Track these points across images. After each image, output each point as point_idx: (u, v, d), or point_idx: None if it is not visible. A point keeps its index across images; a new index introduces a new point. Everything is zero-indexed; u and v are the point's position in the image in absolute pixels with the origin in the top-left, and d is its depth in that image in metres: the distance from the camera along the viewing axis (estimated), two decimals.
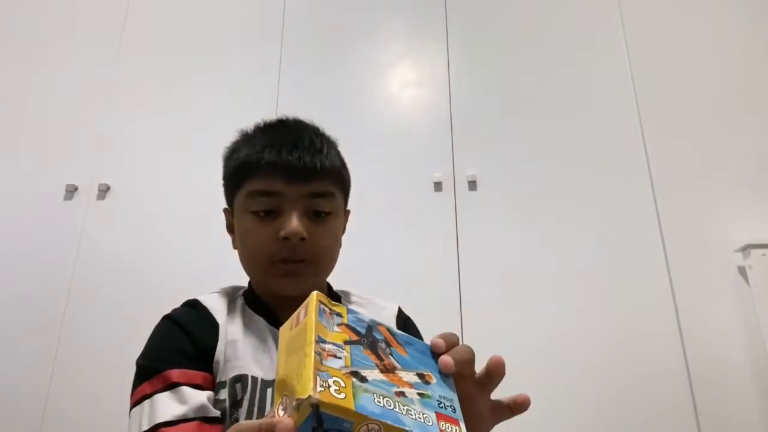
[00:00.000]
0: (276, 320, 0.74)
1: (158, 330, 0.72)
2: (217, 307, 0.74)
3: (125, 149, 1.92)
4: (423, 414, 0.41)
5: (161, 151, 1.91)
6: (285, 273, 0.72)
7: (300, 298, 0.74)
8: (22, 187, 1.87)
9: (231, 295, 0.78)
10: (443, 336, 0.50)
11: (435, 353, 0.48)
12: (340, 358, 0.41)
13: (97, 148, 1.92)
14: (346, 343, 0.44)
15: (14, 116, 1.98)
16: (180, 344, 0.68)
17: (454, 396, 0.45)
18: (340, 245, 0.80)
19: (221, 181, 0.82)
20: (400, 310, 0.85)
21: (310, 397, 0.36)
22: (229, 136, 0.82)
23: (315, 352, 0.40)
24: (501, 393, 0.54)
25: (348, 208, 0.83)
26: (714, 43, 1.97)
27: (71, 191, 1.85)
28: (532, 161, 1.85)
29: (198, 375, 0.65)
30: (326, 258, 0.76)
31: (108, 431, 1.53)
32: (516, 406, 0.53)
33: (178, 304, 0.76)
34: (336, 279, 0.84)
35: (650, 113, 1.87)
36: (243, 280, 0.82)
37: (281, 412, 0.39)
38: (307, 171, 0.73)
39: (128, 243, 1.79)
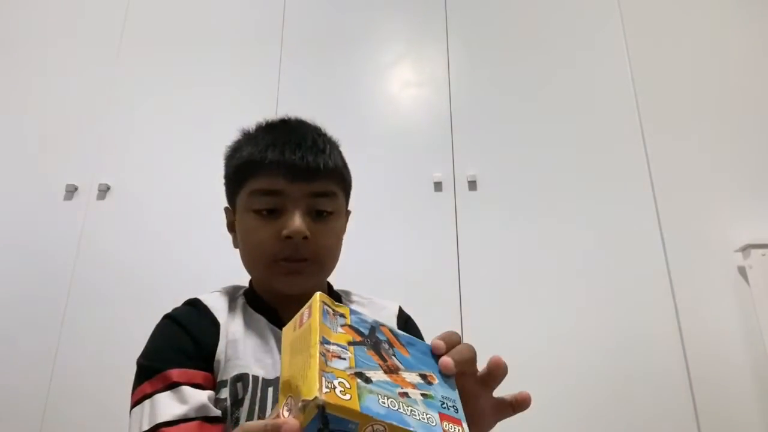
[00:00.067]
0: (277, 319, 0.74)
1: (159, 329, 0.72)
2: (218, 306, 0.74)
3: (125, 149, 1.92)
4: (426, 414, 0.41)
5: (161, 151, 1.91)
6: (287, 272, 0.72)
7: (301, 297, 0.74)
8: (22, 187, 1.87)
9: (232, 294, 0.78)
10: (443, 336, 0.50)
11: (435, 354, 0.48)
12: (344, 359, 0.42)
13: (97, 148, 1.92)
14: (350, 344, 0.44)
15: (14, 116, 1.98)
16: (181, 343, 0.68)
17: (456, 396, 0.45)
18: (341, 245, 0.80)
19: (222, 180, 0.82)
20: (400, 310, 0.86)
21: (316, 398, 0.36)
22: (229, 136, 0.82)
23: (320, 353, 0.40)
24: (501, 392, 0.54)
25: (348, 208, 0.83)
26: (714, 43, 1.97)
27: (71, 191, 1.85)
28: (532, 161, 1.85)
29: (198, 374, 0.65)
30: (328, 257, 0.77)
31: (108, 431, 1.53)
32: (517, 404, 0.54)
33: (178, 303, 0.76)
34: (336, 279, 0.84)
35: (650, 113, 1.87)
36: (244, 279, 0.82)
37: (286, 413, 0.39)
38: (310, 170, 0.73)
39: (128, 243, 1.79)
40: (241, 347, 0.70)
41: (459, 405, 0.44)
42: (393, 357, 0.45)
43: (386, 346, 0.46)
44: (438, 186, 1.82)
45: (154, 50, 2.06)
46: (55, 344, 1.67)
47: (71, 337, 1.68)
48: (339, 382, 0.38)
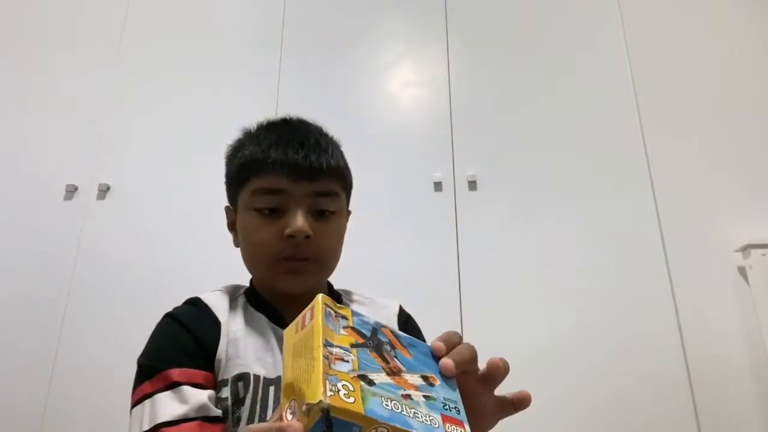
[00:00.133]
0: (278, 318, 0.74)
1: (159, 328, 0.72)
2: (218, 305, 0.74)
3: (125, 149, 1.92)
4: (429, 416, 0.41)
5: (161, 151, 1.91)
6: (289, 271, 0.73)
7: (303, 296, 0.74)
8: (22, 187, 1.87)
9: (232, 293, 0.78)
10: (444, 337, 0.50)
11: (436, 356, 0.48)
12: (347, 361, 0.42)
13: (97, 148, 1.92)
14: (353, 346, 0.44)
15: (14, 116, 1.98)
16: (181, 342, 0.68)
17: (457, 397, 0.45)
18: (342, 245, 0.80)
19: (223, 179, 0.82)
20: (401, 309, 0.86)
21: (320, 401, 0.36)
22: (230, 136, 0.82)
23: (323, 356, 0.40)
24: (502, 392, 0.54)
25: (349, 208, 0.83)
26: (714, 43, 1.97)
27: (71, 191, 1.85)
28: (532, 161, 1.85)
29: (199, 374, 0.65)
30: (330, 257, 0.77)
31: (108, 431, 1.53)
32: (518, 402, 0.54)
33: (178, 303, 0.76)
34: (336, 278, 0.84)
35: (650, 113, 1.87)
36: (244, 279, 0.82)
37: (289, 416, 0.39)
38: (312, 170, 0.73)
39: (128, 243, 1.79)
40: (242, 346, 0.70)
41: (461, 406, 0.44)
42: (395, 359, 0.45)
43: (388, 347, 0.46)
44: (438, 186, 1.82)
45: (154, 50, 2.07)
46: (55, 344, 1.67)
47: (71, 337, 1.68)
48: (343, 385, 0.39)
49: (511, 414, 0.54)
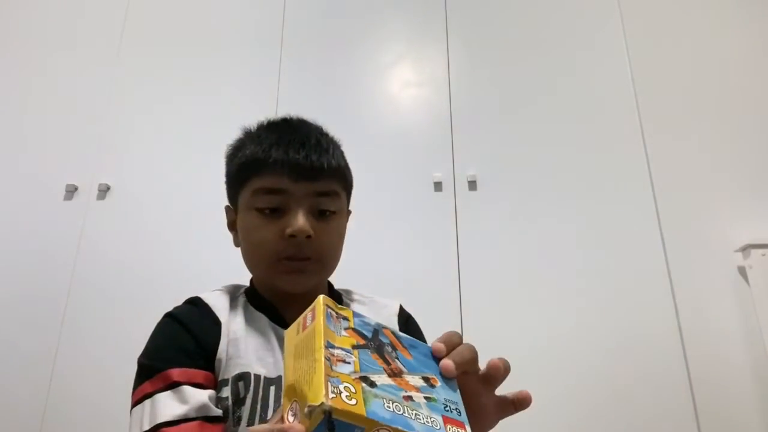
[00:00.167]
0: (278, 318, 0.75)
1: (160, 328, 0.72)
2: (219, 304, 0.74)
3: (125, 149, 1.92)
4: (431, 418, 0.41)
5: (161, 151, 1.91)
6: (290, 270, 0.73)
7: (303, 296, 0.74)
8: (22, 187, 1.87)
9: (233, 292, 0.78)
10: (444, 338, 0.50)
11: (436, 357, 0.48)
12: (349, 363, 0.42)
13: (97, 148, 1.92)
14: (354, 347, 0.44)
15: (14, 116, 1.98)
16: (181, 342, 0.68)
17: (458, 398, 0.45)
18: (343, 244, 0.80)
19: (223, 179, 0.82)
20: (401, 308, 0.86)
21: (322, 404, 0.36)
22: (230, 136, 0.82)
23: (325, 358, 0.40)
24: (502, 391, 0.54)
25: (349, 208, 0.84)
26: (714, 43, 1.97)
27: (71, 191, 1.85)
28: (532, 161, 1.85)
29: (199, 374, 0.65)
30: (331, 256, 0.77)
31: (108, 431, 1.53)
32: (518, 402, 0.54)
33: (178, 303, 0.76)
34: (336, 278, 0.84)
35: (650, 113, 1.87)
36: (244, 278, 0.82)
37: (291, 418, 0.39)
38: (314, 170, 0.73)
39: (128, 243, 1.79)
40: (243, 346, 0.70)
41: (462, 407, 0.44)
42: (396, 360, 0.45)
43: (389, 349, 0.46)
44: (438, 186, 1.82)
45: (154, 50, 2.07)
46: (55, 344, 1.67)
47: (71, 337, 1.68)
48: (344, 387, 0.39)
49: (512, 414, 0.54)
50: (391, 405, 0.40)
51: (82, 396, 1.61)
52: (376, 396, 0.40)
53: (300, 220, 0.71)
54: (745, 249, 1.66)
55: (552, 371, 1.59)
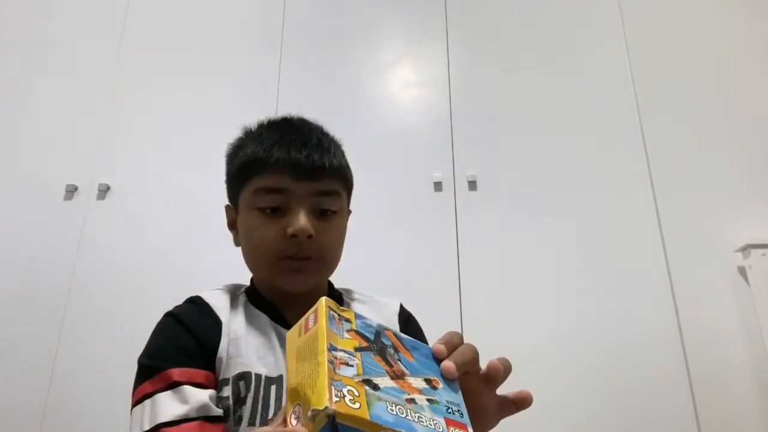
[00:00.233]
0: (279, 317, 0.74)
1: (160, 327, 0.72)
2: (219, 304, 0.74)
3: (125, 149, 1.92)
4: (433, 421, 0.41)
5: (161, 151, 1.91)
6: (291, 270, 0.72)
7: (304, 295, 0.74)
8: (22, 187, 1.87)
9: (233, 292, 0.78)
10: (445, 339, 0.50)
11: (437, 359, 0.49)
12: (352, 366, 0.42)
13: (97, 148, 1.92)
14: (357, 349, 0.44)
15: (14, 116, 1.98)
16: (182, 342, 0.68)
17: (460, 400, 0.45)
18: (343, 244, 0.80)
19: (223, 178, 0.82)
20: (401, 307, 0.86)
21: (326, 408, 0.36)
22: (229, 136, 0.82)
23: (328, 361, 0.40)
24: (503, 391, 0.54)
25: (349, 208, 0.84)
26: (714, 43, 1.97)
27: (71, 191, 1.85)
28: (532, 161, 1.85)
29: (199, 373, 0.65)
30: (332, 256, 0.77)
31: (108, 431, 1.52)
32: (519, 402, 0.54)
33: (178, 303, 0.76)
34: (336, 278, 0.84)
35: (650, 113, 1.87)
36: (244, 278, 0.82)
37: (294, 421, 0.39)
38: (315, 169, 0.73)
39: (128, 243, 1.79)
40: (243, 345, 0.70)
41: (464, 409, 0.44)
42: (398, 362, 0.45)
43: (391, 351, 0.46)
44: (438, 186, 1.82)
45: (154, 50, 2.07)
46: (55, 344, 1.67)
47: (71, 337, 1.68)
48: (348, 390, 0.39)
49: (513, 413, 0.54)
50: (394, 408, 0.40)
51: (82, 396, 1.61)
52: (379, 399, 0.40)
53: (301, 220, 0.71)
54: (745, 249, 1.66)
55: (552, 371, 1.59)
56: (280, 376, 0.68)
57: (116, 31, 2.08)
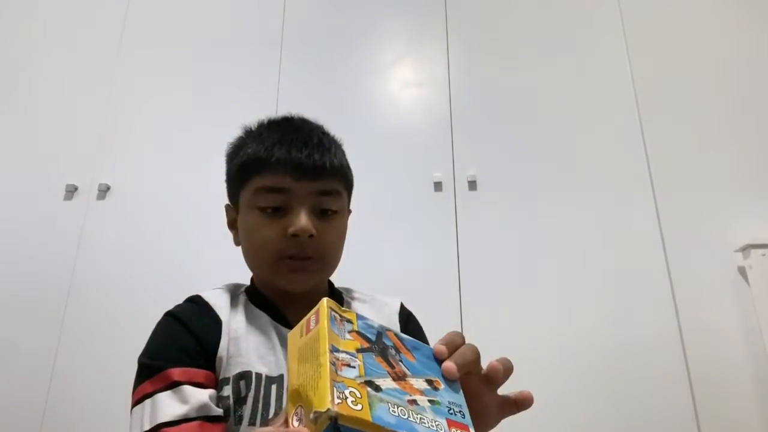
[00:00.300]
0: (280, 316, 0.74)
1: (160, 326, 0.72)
2: (219, 303, 0.73)
3: (125, 149, 1.92)
4: (435, 422, 0.41)
5: (161, 151, 1.91)
6: (292, 269, 0.72)
7: (305, 295, 0.74)
8: (22, 187, 1.87)
9: (233, 291, 0.78)
10: (446, 339, 0.50)
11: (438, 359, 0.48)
12: (353, 367, 0.42)
13: (97, 148, 1.91)
14: (358, 351, 0.44)
15: (14, 116, 1.98)
16: (182, 341, 0.68)
17: (462, 401, 0.45)
18: (344, 244, 0.80)
19: (223, 178, 0.82)
20: (402, 306, 0.86)
21: (328, 410, 0.36)
22: (230, 137, 0.82)
23: (330, 362, 0.40)
24: (503, 392, 0.54)
25: (349, 208, 0.84)
26: (714, 44, 1.97)
27: (71, 191, 1.85)
28: (532, 161, 1.85)
29: (199, 373, 0.65)
30: (332, 255, 0.77)
31: (108, 431, 1.52)
32: (520, 402, 0.54)
33: (178, 302, 0.76)
34: (336, 278, 0.84)
35: (650, 113, 1.87)
36: (244, 277, 0.82)
37: (296, 422, 0.39)
38: (316, 169, 0.73)
39: (128, 243, 1.79)
40: (244, 345, 0.69)
41: (465, 410, 0.44)
42: (400, 363, 0.45)
43: (393, 351, 0.46)
44: (438, 186, 1.82)
45: (154, 50, 2.06)
46: (55, 344, 1.67)
47: (71, 337, 1.68)
48: (350, 392, 0.39)
49: (514, 413, 0.54)
50: (396, 409, 0.40)
51: (82, 396, 1.61)
52: (381, 400, 0.40)
53: (302, 220, 0.71)
54: (745, 249, 1.66)
55: (552, 371, 1.59)
56: (281, 376, 0.68)
57: (116, 31, 2.08)
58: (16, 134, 1.96)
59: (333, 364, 0.40)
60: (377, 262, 1.71)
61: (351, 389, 0.39)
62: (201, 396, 0.63)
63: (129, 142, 1.93)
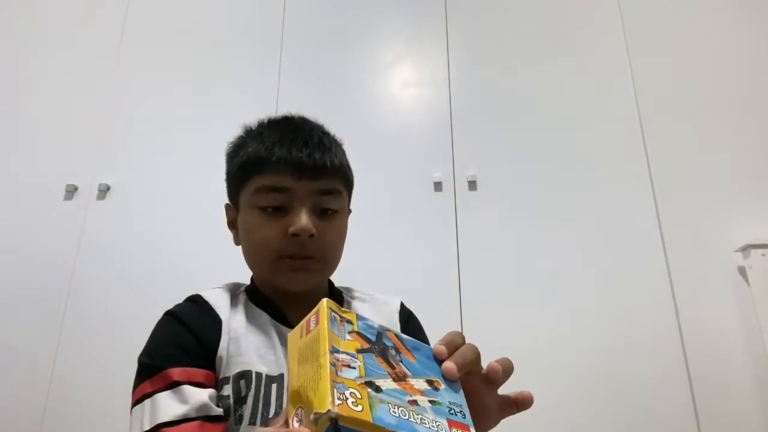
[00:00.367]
0: (280, 315, 0.74)
1: (160, 326, 0.72)
2: (219, 302, 0.73)
3: (125, 149, 1.92)
4: (436, 422, 0.41)
5: (161, 151, 1.91)
6: (292, 269, 0.72)
7: (305, 294, 0.74)
8: (22, 187, 1.87)
9: (233, 290, 0.78)
10: (446, 339, 0.50)
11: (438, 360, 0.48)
12: (354, 368, 0.42)
13: (97, 148, 1.91)
14: (359, 351, 0.44)
15: (14, 116, 1.98)
16: (182, 341, 0.68)
17: (462, 401, 0.45)
18: (344, 243, 0.80)
19: (223, 177, 0.82)
20: (402, 305, 0.86)
21: (329, 411, 0.36)
22: (230, 136, 0.82)
23: (330, 363, 0.40)
24: (503, 391, 0.54)
25: (350, 207, 0.83)
26: (714, 44, 1.97)
27: (71, 191, 1.85)
28: (532, 161, 1.85)
29: (199, 373, 0.65)
30: (333, 255, 0.77)
31: (108, 431, 1.52)
32: (520, 402, 0.54)
33: (178, 302, 0.76)
34: (336, 278, 0.84)
35: (650, 113, 1.87)
36: (245, 277, 0.82)
37: (296, 423, 0.39)
38: (317, 168, 0.73)
39: (128, 243, 1.79)
40: (244, 344, 0.69)
41: (466, 410, 0.44)
42: (400, 363, 0.45)
43: (393, 352, 0.46)
44: (438, 186, 1.82)
45: (154, 50, 2.06)
46: (55, 344, 1.67)
47: (71, 337, 1.68)
48: (350, 393, 0.39)
49: (514, 413, 0.54)
50: (396, 410, 0.39)
51: (82, 396, 1.61)
52: (381, 401, 0.40)
53: (303, 219, 0.71)
54: (745, 249, 1.66)
55: (552, 371, 1.59)
56: (281, 375, 0.68)
57: (116, 31, 2.08)
58: (16, 134, 1.95)
59: (333, 365, 0.40)
60: (377, 262, 1.71)
61: (351, 390, 0.39)
62: (201, 396, 0.62)
63: (129, 142, 1.93)
